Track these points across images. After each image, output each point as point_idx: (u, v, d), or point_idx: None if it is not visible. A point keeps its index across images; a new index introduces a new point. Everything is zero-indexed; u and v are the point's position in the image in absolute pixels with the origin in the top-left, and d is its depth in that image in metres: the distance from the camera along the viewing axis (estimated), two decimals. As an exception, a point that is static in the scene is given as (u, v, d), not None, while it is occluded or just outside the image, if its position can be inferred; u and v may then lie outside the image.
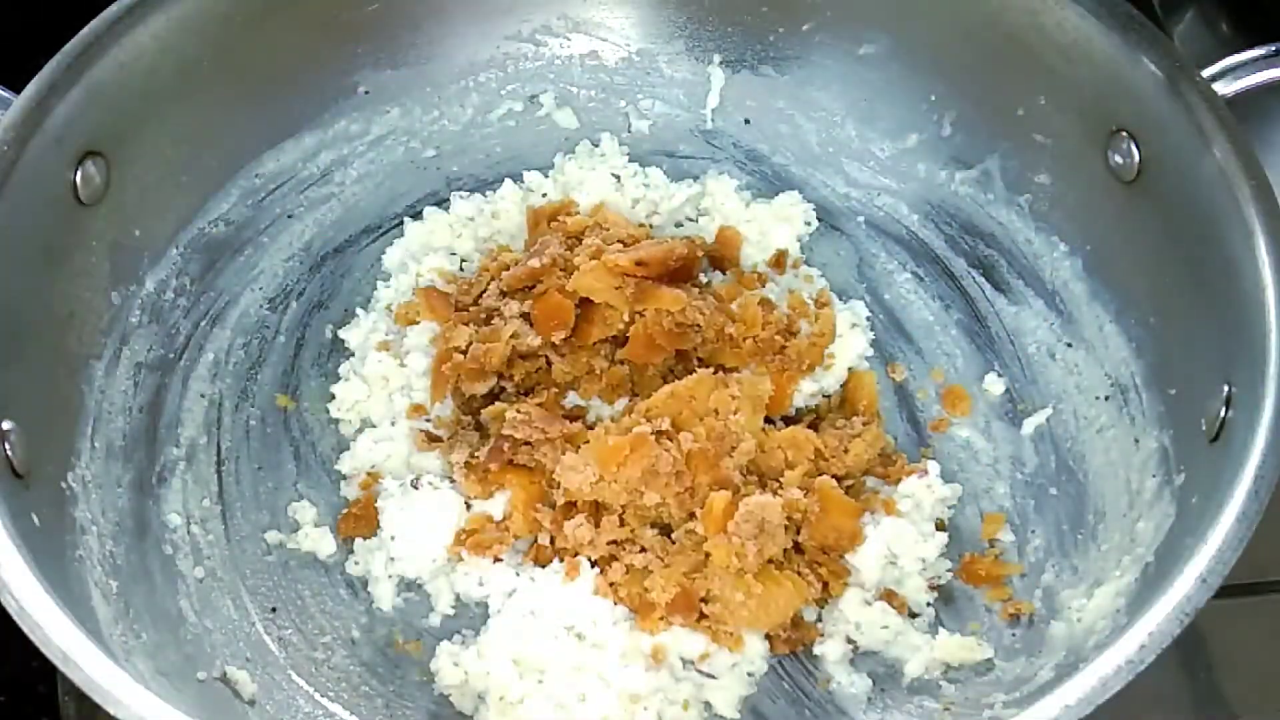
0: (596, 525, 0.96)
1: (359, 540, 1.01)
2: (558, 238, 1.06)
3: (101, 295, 1.00)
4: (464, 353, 1.02)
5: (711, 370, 1.01)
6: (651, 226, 1.13)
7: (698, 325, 1.01)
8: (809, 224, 1.15)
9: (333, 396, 1.06)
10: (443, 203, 1.16)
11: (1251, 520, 0.77)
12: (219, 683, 0.92)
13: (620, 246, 1.04)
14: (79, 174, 0.94)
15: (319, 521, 1.02)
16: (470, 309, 1.06)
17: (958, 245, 1.13)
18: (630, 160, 1.17)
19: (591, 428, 1.00)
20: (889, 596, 0.97)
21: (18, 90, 0.92)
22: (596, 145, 1.18)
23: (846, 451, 1.00)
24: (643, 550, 0.95)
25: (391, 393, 1.05)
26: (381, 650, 0.97)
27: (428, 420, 1.03)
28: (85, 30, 0.95)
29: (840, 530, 0.95)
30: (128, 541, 0.95)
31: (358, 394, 1.05)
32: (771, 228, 1.13)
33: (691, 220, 1.15)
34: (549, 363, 1.03)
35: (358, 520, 1.01)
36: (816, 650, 0.96)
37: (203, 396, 1.06)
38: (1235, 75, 0.96)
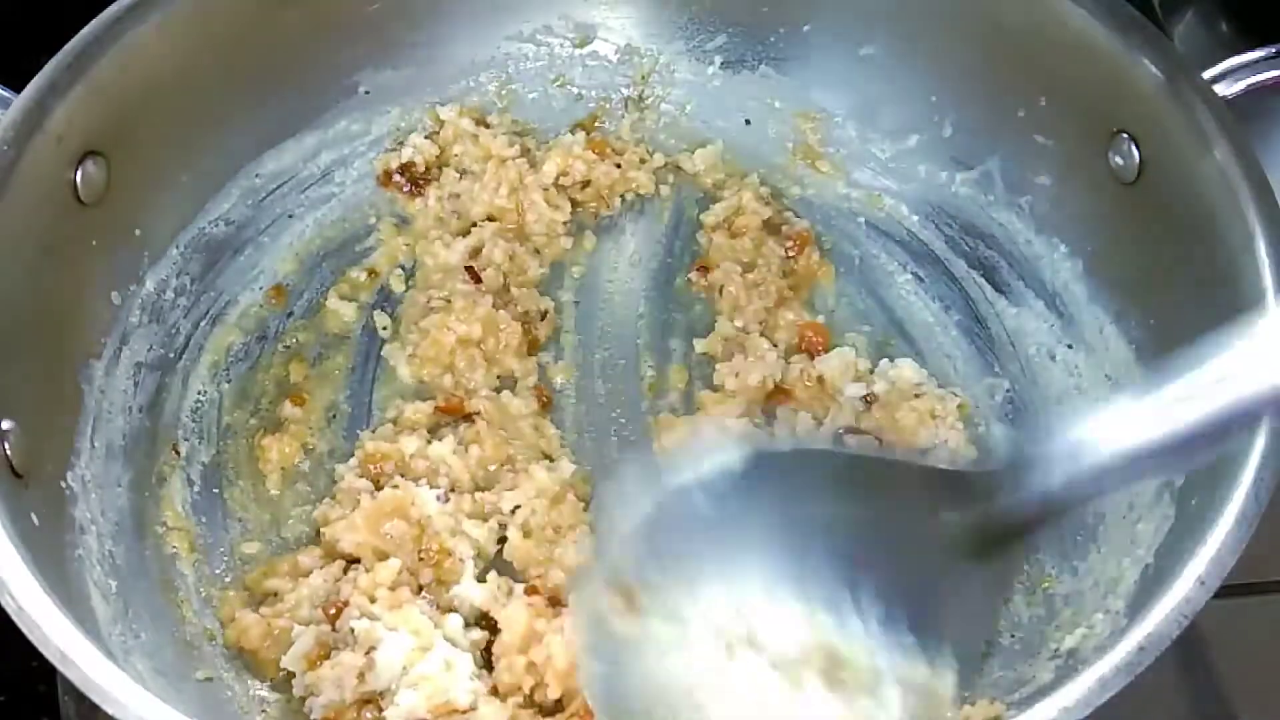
0: None
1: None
2: None
3: (102, 295, 1.00)
4: None
5: None
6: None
7: None
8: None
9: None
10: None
11: (1250, 522, 0.77)
12: (217, 683, 0.92)
13: None
14: (79, 173, 0.94)
15: (318, 522, 1.02)
16: None
17: (958, 246, 1.13)
18: (631, 161, 1.17)
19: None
20: None
21: (18, 90, 0.92)
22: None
23: None
24: None
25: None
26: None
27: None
28: (85, 30, 0.95)
29: None
30: (127, 541, 0.95)
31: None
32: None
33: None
34: None
35: None
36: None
37: (203, 396, 1.06)
38: (1236, 77, 0.96)
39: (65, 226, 0.94)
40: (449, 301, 1.08)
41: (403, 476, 0.99)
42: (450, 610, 0.93)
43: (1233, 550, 0.77)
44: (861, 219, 1.16)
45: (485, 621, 0.94)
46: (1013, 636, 0.95)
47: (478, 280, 1.10)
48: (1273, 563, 1.02)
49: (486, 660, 0.93)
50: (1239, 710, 1.01)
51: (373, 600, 0.91)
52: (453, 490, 0.99)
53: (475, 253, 1.11)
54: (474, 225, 1.13)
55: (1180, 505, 0.88)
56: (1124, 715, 0.74)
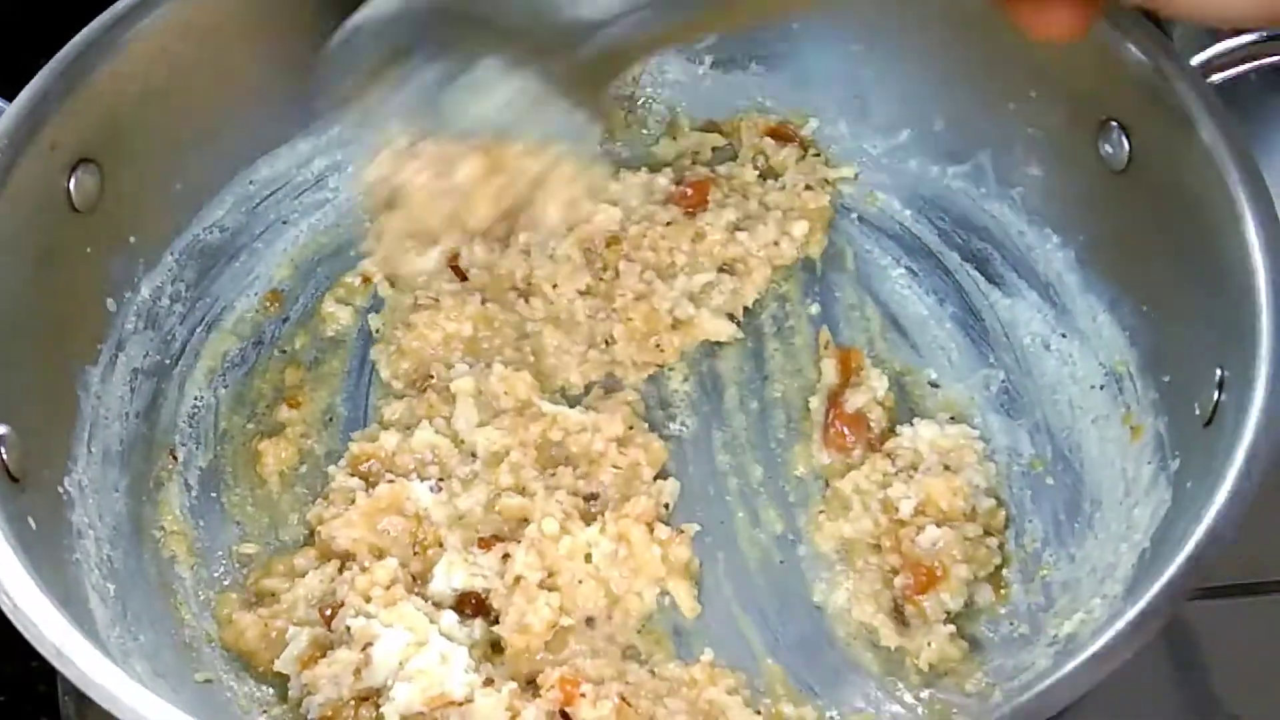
0: None
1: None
2: None
3: (97, 301, 1.00)
4: None
5: None
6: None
7: None
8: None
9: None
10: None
11: (1245, 500, 0.76)
12: (217, 684, 0.92)
13: None
14: (73, 181, 0.94)
15: (316, 524, 1.02)
16: None
17: (951, 239, 1.13)
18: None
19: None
20: None
21: (11, 97, 0.92)
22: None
23: None
24: None
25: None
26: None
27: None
28: (79, 37, 0.95)
29: None
30: (124, 545, 0.95)
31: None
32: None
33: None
34: None
35: None
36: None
37: (199, 402, 1.06)
38: (1224, 62, 0.96)
39: (59, 234, 0.95)
40: (436, 301, 1.09)
41: (391, 472, 1.00)
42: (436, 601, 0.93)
43: (1228, 529, 0.76)
44: (854, 214, 1.16)
45: (473, 602, 0.94)
46: (1011, 624, 0.95)
47: (463, 278, 1.10)
48: (1272, 563, 1.02)
49: (483, 653, 0.93)
50: (1237, 711, 1.00)
51: (368, 599, 0.92)
52: (442, 480, 0.99)
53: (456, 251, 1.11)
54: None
55: (1176, 489, 0.88)
56: (1122, 715, 0.74)
